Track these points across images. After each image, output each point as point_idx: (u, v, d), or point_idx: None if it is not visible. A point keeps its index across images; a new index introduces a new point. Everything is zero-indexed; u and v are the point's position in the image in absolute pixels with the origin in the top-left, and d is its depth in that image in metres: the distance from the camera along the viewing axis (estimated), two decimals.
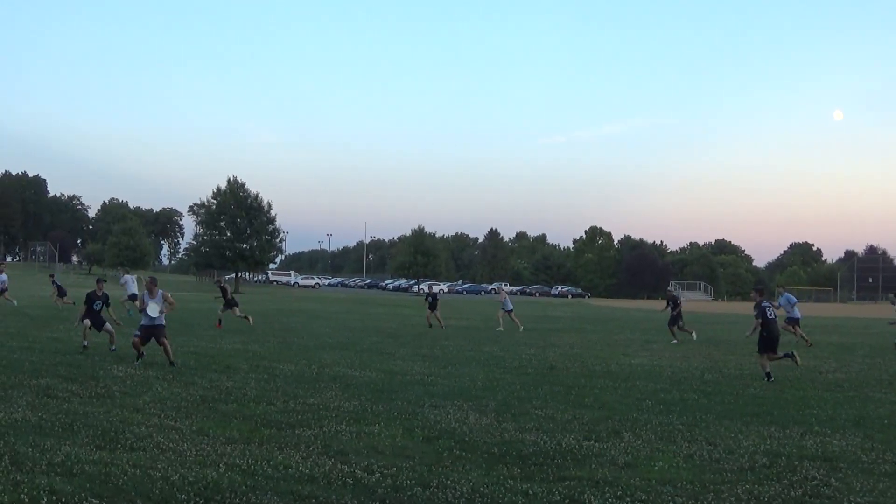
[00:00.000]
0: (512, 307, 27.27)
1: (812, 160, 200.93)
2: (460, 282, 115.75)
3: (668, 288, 25.25)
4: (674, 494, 6.32)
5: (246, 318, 23.94)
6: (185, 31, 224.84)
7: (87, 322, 15.30)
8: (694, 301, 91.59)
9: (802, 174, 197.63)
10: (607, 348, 20.42)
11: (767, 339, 14.17)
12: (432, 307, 27.25)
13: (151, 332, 13.53)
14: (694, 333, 23.05)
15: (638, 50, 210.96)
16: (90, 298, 15.52)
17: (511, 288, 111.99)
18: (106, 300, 15.79)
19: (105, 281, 16.96)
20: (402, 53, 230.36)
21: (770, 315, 14.26)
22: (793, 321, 21.97)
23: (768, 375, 13.96)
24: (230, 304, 23.96)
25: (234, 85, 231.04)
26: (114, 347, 15.11)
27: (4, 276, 24.86)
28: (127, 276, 27.76)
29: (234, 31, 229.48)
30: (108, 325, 15.55)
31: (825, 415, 10.38)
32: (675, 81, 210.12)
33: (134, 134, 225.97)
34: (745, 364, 16.57)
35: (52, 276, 30.53)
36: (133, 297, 26.19)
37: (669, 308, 23.32)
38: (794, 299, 22.47)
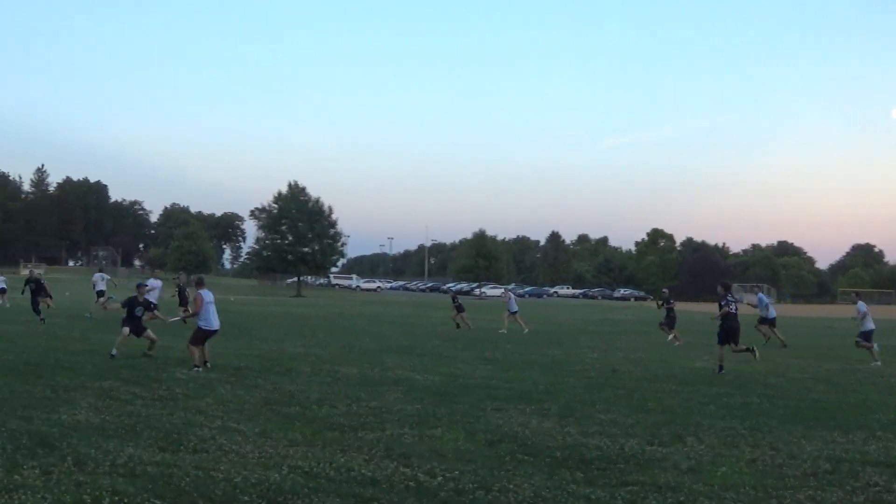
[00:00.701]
0: (517, 309, 26.99)
1: (872, 159, 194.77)
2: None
3: (663, 290, 25.09)
4: (736, 500, 6.21)
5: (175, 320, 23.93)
6: (240, 39, 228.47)
7: (126, 330, 14.59)
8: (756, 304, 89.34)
9: (863, 174, 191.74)
10: (669, 352, 20.06)
11: (723, 332, 15.00)
12: (459, 308, 27.43)
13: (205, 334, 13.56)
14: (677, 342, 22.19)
15: (701, 49, 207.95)
16: (131, 304, 14.88)
17: (573, 291, 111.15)
18: (148, 305, 15.27)
19: (146, 286, 16.86)
20: (467, 58, 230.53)
21: (731, 309, 14.93)
22: (767, 321, 22.28)
23: (720, 367, 14.74)
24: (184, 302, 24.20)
25: (292, 91, 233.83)
26: (151, 353, 14.63)
27: (159, 282, 24.77)
28: (98, 275, 27.87)
29: (290, 40, 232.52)
30: (149, 332, 14.92)
31: (888, 419, 10.10)
32: (736, 82, 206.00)
33: (195, 139, 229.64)
34: (808, 367, 16.13)
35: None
36: (100, 294, 26.51)
37: (665, 308, 23.38)
38: (767, 300, 22.83)
